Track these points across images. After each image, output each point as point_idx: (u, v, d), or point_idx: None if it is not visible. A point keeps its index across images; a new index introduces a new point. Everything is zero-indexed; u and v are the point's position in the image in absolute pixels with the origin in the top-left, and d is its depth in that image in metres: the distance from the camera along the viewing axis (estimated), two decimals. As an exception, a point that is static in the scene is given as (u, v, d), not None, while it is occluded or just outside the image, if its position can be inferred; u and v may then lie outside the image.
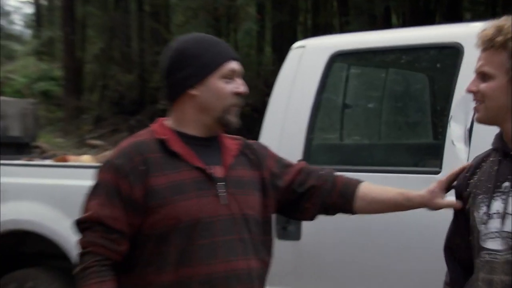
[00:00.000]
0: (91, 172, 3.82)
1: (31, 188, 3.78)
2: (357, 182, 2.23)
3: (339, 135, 3.67)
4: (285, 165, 2.25)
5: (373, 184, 2.23)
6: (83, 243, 2.06)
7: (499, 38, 1.85)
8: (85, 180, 3.84)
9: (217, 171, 2.08)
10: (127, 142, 2.10)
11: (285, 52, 3.51)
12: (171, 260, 2.01)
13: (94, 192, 2.08)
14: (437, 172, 2.82)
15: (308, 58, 3.24)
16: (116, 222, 2.02)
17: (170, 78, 2.11)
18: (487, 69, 1.88)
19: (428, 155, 3.27)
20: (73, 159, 4.31)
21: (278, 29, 15.05)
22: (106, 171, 2.07)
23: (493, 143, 1.96)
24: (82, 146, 13.91)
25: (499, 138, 1.93)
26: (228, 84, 2.09)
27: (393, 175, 2.94)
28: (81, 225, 2.08)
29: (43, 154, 10.27)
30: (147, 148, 2.06)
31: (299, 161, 2.31)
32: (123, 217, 2.02)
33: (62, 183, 3.73)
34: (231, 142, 2.17)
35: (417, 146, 3.66)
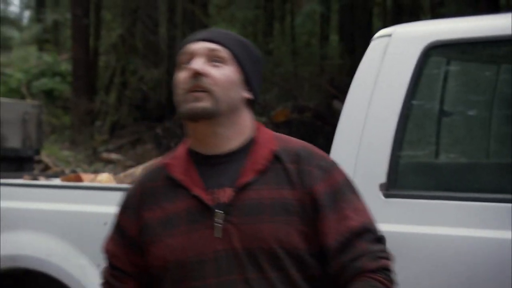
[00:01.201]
0: (109, 195, 3.87)
1: (34, 215, 3.83)
2: None
3: (434, 151, 3.63)
4: (336, 209, 2.18)
5: None
6: (101, 274, 2.36)
7: None
8: (102, 206, 3.90)
9: (224, 195, 2.15)
10: (146, 167, 2.39)
11: (357, 41, 3.50)
12: None
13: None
14: None
15: (395, 51, 3.23)
16: (116, 260, 2.28)
17: None
18: None
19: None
20: (88, 179, 4.36)
21: (347, 11, 15.02)
22: (120, 201, 2.31)
23: None
24: (95, 161, 14.11)
25: None
26: (184, 70, 2.19)
27: (507, 205, 2.90)
28: (102, 249, 2.35)
29: (46, 171, 10.44)
30: (154, 176, 2.24)
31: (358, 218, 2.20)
32: (123, 255, 2.26)
33: (73, 209, 3.77)
34: (263, 152, 2.19)
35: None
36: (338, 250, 2.15)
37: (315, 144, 2.39)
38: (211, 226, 2.13)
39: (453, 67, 3.61)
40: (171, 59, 16.97)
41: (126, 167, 7.73)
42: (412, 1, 14.61)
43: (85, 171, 10.67)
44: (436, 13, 11.99)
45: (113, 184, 4.21)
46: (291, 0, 16.43)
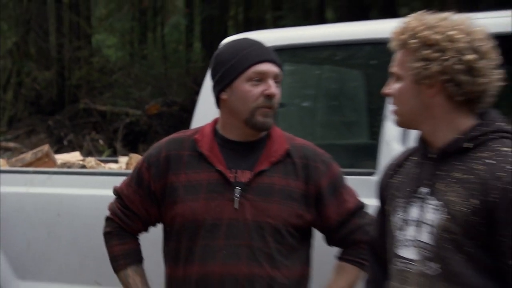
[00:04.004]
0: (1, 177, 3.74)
1: None
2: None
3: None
4: (336, 195, 2.28)
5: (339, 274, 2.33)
6: (109, 208, 2.40)
7: (403, 36, 1.87)
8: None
9: (243, 176, 2.21)
10: (171, 136, 2.33)
11: (216, 48, 3.55)
12: (182, 257, 2.23)
13: (132, 170, 2.37)
14: (372, 173, 2.88)
15: (238, 54, 3.24)
16: (131, 203, 2.32)
17: (212, 84, 2.30)
18: (395, 69, 1.90)
19: (364, 156, 3.32)
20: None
21: (207, 24, 15.03)
22: (143, 157, 2.35)
23: (416, 143, 1.96)
24: (-5, 149, 13.57)
25: (420, 138, 1.93)
26: (255, 86, 2.21)
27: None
28: (115, 191, 2.39)
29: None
30: (180, 145, 2.26)
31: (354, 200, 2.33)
32: (139, 202, 2.30)
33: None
34: (278, 148, 2.25)
35: (353, 147, 3.72)
36: (339, 227, 2.28)
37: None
38: (230, 198, 2.19)
39: (287, 68, 3.66)
40: (59, 63, 16.58)
41: (22, 153, 7.50)
42: (258, 15, 14.78)
43: (-14, 158, 10.24)
44: (277, 25, 12.16)
45: (6, 168, 4.08)
46: (161, 13, 16.27)
